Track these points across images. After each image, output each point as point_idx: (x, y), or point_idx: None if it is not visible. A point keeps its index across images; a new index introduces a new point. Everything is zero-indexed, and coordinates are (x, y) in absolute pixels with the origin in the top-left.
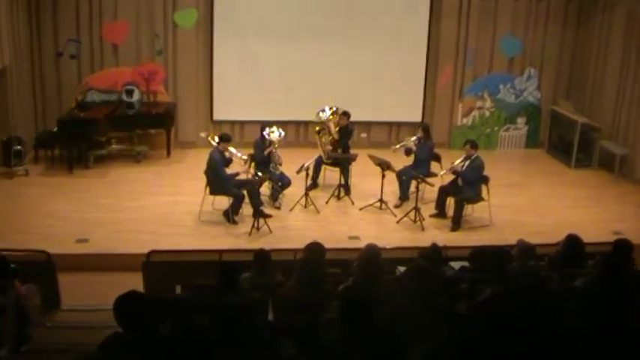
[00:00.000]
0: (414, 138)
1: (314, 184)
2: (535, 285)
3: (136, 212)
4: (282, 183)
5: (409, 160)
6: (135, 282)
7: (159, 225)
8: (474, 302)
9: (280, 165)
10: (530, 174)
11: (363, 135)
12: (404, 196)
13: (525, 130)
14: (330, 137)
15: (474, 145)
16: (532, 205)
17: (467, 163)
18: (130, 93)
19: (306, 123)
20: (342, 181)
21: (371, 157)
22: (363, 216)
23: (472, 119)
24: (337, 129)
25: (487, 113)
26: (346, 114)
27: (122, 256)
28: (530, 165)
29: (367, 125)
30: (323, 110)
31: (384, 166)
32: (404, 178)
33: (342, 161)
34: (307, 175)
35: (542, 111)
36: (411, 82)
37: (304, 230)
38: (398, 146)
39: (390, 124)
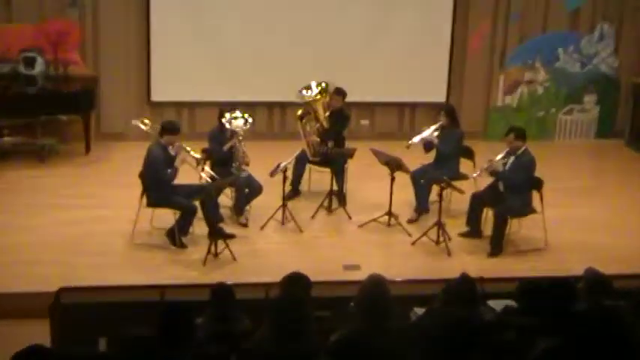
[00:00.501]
0: (435, 126)
1: (295, 192)
2: (613, 335)
3: (39, 234)
4: (249, 190)
5: (429, 158)
6: (39, 333)
7: (72, 252)
8: None
9: (247, 165)
10: (603, 175)
11: (365, 122)
12: (422, 208)
13: (596, 112)
14: (318, 125)
15: (521, 135)
16: (606, 219)
17: (511, 159)
18: (29, 62)
19: (283, 105)
20: (335, 187)
21: (375, 152)
22: (364, 236)
23: (518, 98)
24: (328, 113)
25: (540, 89)
26: (340, 92)
27: (19, 296)
28: (603, 162)
29: (370, 108)
30: (308, 87)
31: (394, 165)
32: (422, 182)
33: (335, 159)
34: (285, 178)
35: (620, 85)
36: (430, 47)
37: (281, 256)
38: (414, 139)
39: (401, 107)
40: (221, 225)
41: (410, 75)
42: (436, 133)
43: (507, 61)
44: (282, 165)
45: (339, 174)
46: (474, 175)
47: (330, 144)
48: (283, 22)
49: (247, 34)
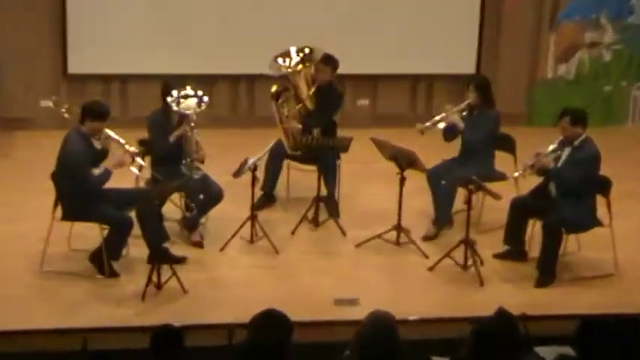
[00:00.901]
0: (461, 106)
1: (268, 198)
2: None
3: None
4: (205, 196)
5: (452, 149)
6: None
7: None
8: None
9: (202, 162)
10: None
11: (363, 102)
12: (443, 219)
13: None
14: (300, 106)
15: (580, 119)
16: None
17: (566, 153)
18: None
19: (252, 79)
20: (324, 192)
21: (378, 143)
22: (363, 259)
23: (576, 67)
24: (313, 90)
25: (607, 54)
26: (330, 61)
27: None
28: None
29: (371, 83)
30: (285, 55)
31: (404, 160)
32: (443, 184)
33: (323, 153)
34: (255, 180)
35: None
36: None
37: (249, 288)
38: (430, 123)
39: (414, 81)
40: (166, 245)
41: (425, 38)
42: (462, 116)
43: (561, 17)
44: (251, 162)
45: (328, 173)
46: (515, 174)
47: (317, 132)
48: None
49: None
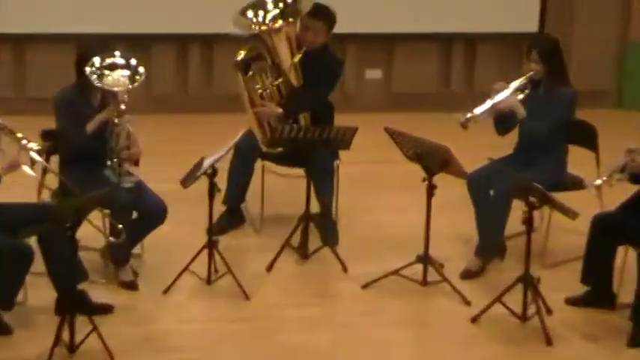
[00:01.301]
0: (519, 81)
1: (233, 216)
2: None
3: None
4: (140, 214)
5: (505, 145)
6: None
7: None
8: None
9: (136, 163)
10: None
11: (374, 74)
12: (490, 247)
13: None
14: (280, 81)
15: None
16: None
17: None
18: None
19: (209, 41)
20: (318, 206)
21: (395, 135)
22: (373, 306)
23: None
24: (298, 57)
25: None
26: (323, 14)
27: None
28: None
29: (384, 46)
30: (259, 5)
31: (433, 160)
32: (491, 196)
33: (314, 150)
34: (214, 189)
35: None
36: None
37: (206, 350)
38: (476, 111)
39: (446, 43)
40: (83, 287)
41: None
42: (520, 96)
43: None
44: (207, 163)
45: (322, 180)
46: (598, 180)
47: (304, 119)
48: None
49: None
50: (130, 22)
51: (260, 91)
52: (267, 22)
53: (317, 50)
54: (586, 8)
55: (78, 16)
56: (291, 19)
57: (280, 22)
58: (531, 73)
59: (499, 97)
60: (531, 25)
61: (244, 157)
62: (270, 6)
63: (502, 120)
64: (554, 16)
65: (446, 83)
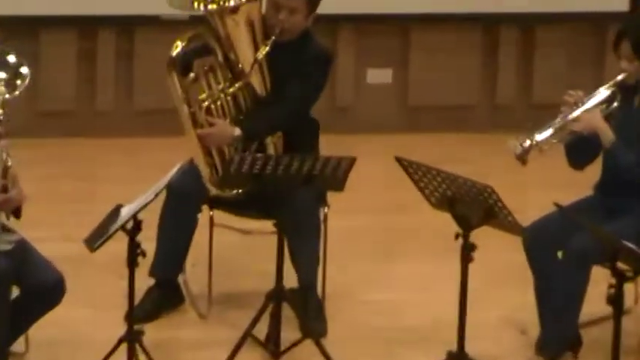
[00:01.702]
0: (606, 89)
1: (166, 293)
2: None
3: None
4: (23, 291)
5: (581, 181)
6: None
7: None
8: None
9: (17, 215)
10: None
11: (380, 74)
12: (557, 337)
13: None
14: (238, 87)
15: None
16: None
17: None
18: None
19: (132, 26)
20: (295, 278)
21: (413, 169)
22: None
23: None
24: (266, 50)
25: None
26: None
27: None
28: None
29: (393, 34)
30: None
31: (471, 208)
32: (560, 259)
33: (288, 192)
34: (136, 251)
35: None
36: None
37: None
38: (539, 136)
39: (487, 29)
40: None
41: None
42: (606, 111)
43: None
44: (126, 213)
45: (303, 238)
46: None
47: (273, 144)
48: None
49: None
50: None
51: (206, 102)
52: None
53: (293, 40)
54: None
55: None
56: None
57: None
58: (622, 75)
59: (574, 114)
60: (619, 2)
61: (182, 203)
62: None
63: (579, 147)
64: None
65: (489, 91)
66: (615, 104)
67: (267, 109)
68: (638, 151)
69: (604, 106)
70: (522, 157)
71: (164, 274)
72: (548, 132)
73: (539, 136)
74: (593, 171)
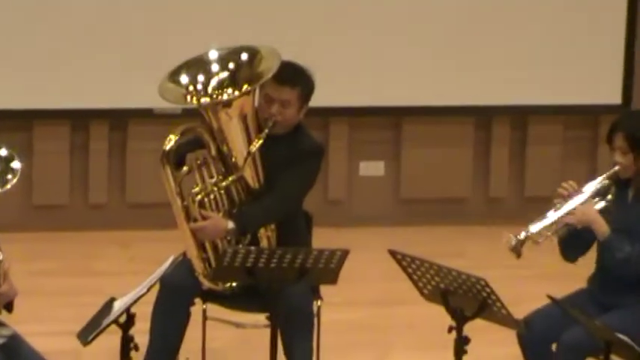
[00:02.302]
0: (595, 183)
1: None
2: None
3: None
4: None
5: (568, 277)
6: None
7: None
8: None
9: (8, 309)
10: None
11: (373, 167)
12: None
13: None
14: (231, 180)
15: None
16: None
17: None
18: None
19: (124, 120)
20: None
21: (406, 262)
22: None
23: None
24: (258, 143)
25: None
26: (297, 77)
27: None
28: None
29: (386, 126)
30: (200, 65)
31: (465, 301)
32: (555, 352)
33: (281, 286)
34: (129, 345)
35: None
36: None
37: None
38: (534, 228)
39: (480, 122)
40: None
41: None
42: (601, 204)
43: None
44: (119, 306)
45: (296, 331)
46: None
47: (267, 238)
48: None
49: None
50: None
51: (200, 195)
52: (210, 91)
53: (285, 133)
54: None
55: None
56: (247, 87)
57: (230, 90)
58: (616, 168)
59: (568, 207)
60: (612, 96)
61: (175, 297)
62: (215, 67)
63: (573, 241)
64: None
65: (482, 183)
66: (609, 197)
67: (260, 202)
68: (633, 245)
69: (598, 199)
70: (517, 249)
71: None
72: (542, 224)
73: (533, 229)
74: (588, 263)
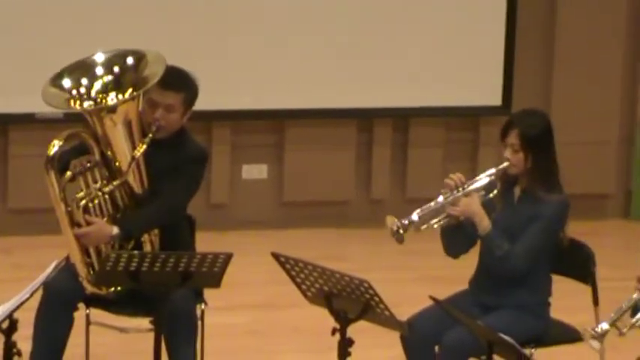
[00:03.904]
0: (482, 180)
1: None
2: None
3: None
4: None
5: (452, 279)
6: None
7: None
8: None
9: None
10: None
11: (255, 169)
12: None
13: None
14: (116, 185)
15: None
16: None
17: None
18: None
19: (3, 125)
20: None
21: (288, 264)
22: None
23: None
24: (143, 147)
25: None
26: (180, 82)
27: None
28: None
29: (268, 129)
30: (83, 70)
31: (348, 302)
32: (437, 353)
33: (164, 289)
34: (11, 352)
35: None
36: None
37: None
38: (415, 216)
39: (363, 124)
40: None
41: (400, 42)
42: (487, 196)
43: None
44: (2, 312)
45: (180, 334)
46: (601, 326)
47: (150, 242)
48: None
49: None
50: None
51: (84, 201)
52: (94, 95)
53: (169, 138)
54: (570, 84)
55: None
56: (131, 92)
57: (114, 95)
58: (505, 164)
59: (453, 198)
60: (493, 97)
61: (58, 302)
62: (99, 70)
63: (454, 234)
64: (521, 92)
65: (364, 185)
66: (495, 192)
67: (145, 208)
68: (523, 241)
69: (483, 193)
70: (398, 235)
71: None
72: (425, 212)
73: (416, 216)
74: (471, 265)
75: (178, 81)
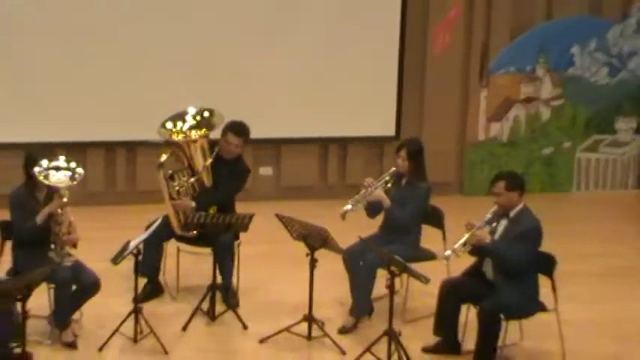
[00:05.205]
0: (385, 178)
1: (154, 287)
2: None
3: None
4: (78, 287)
5: (372, 225)
6: None
7: None
8: None
9: (74, 246)
10: None
11: (266, 171)
12: (361, 308)
13: (636, 146)
14: (195, 179)
15: (516, 184)
16: None
17: (502, 225)
18: None
19: (133, 147)
20: (220, 279)
21: (284, 220)
22: (268, 357)
23: (511, 127)
24: (210, 161)
25: (545, 112)
26: (242, 131)
27: None
28: None
29: (274, 148)
30: (179, 118)
31: (315, 239)
32: (361, 266)
33: (218, 232)
34: (138, 266)
35: None
36: (366, 48)
37: None
38: (350, 204)
39: (324, 145)
40: (32, 346)
41: (337, 97)
42: (387, 187)
43: (492, 68)
44: (133, 244)
45: (225, 257)
46: (446, 253)
47: (213, 210)
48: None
49: (63, 34)
50: (67, 131)
51: (177, 187)
52: (184, 132)
53: (232, 159)
54: (433, 113)
55: (24, 128)
56: (205, 131)
57: (195, 132)
58: (394, 169)
59: (368, 191)
60: (390, 130)
61: (158, 238)
62: (188, 118)
63: (372, 207)
64: (407, 121)
65: (324, 177)
66: (389, 185)
67: (210, 194)
68: (407, 210)
69: (384, 184)
70: (343, 215)
71: (151, 276)
72: (355, 201)
73: (351, 204)
74: (379, 219)
75: (243, 131)
